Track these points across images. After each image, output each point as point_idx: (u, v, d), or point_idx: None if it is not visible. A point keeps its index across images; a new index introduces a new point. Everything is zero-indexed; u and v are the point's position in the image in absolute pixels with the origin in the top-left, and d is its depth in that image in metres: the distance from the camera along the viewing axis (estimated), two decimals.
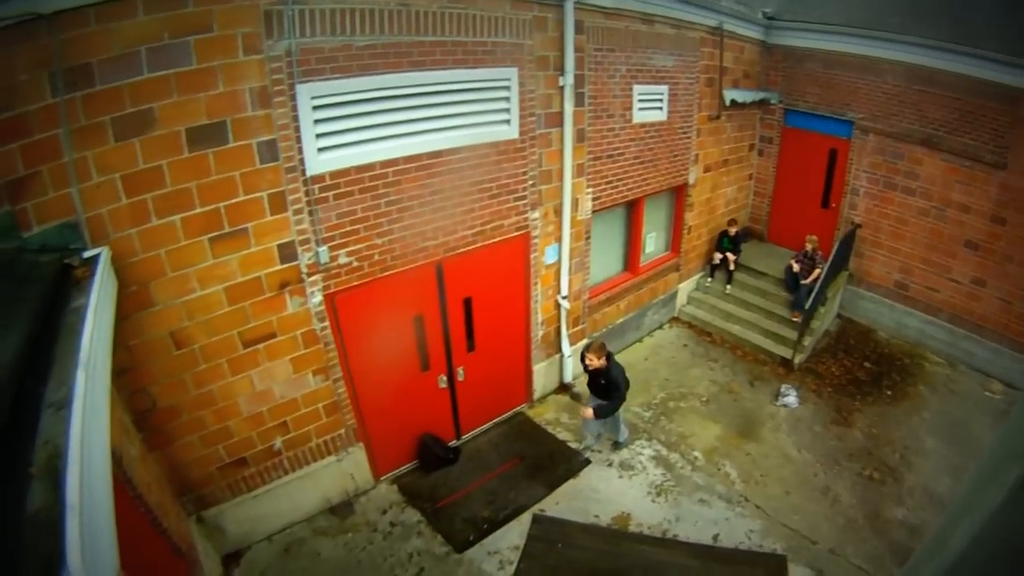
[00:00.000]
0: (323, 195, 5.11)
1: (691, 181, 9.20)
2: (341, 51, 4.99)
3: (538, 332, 7.45)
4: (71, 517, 2.21)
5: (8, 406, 2.60)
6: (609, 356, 6.27)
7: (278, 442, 5.66)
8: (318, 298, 5.39)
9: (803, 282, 9.17)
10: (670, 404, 8.12)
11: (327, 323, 5.53)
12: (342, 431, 6.06)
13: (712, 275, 10.33)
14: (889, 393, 8.57)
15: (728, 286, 10.12)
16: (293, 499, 6.02)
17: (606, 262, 8.60)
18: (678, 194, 9.32)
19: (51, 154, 4.26)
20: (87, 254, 4.33)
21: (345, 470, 6.28)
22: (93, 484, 2.48)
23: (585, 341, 7.87)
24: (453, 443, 7.13)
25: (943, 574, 1.18)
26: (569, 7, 6.20)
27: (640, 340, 9.60)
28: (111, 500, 2.70)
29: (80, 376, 2.97)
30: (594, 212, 7.53)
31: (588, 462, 7.04)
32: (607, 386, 6.31)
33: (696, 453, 7.24)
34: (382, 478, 6.72)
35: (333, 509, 6.34)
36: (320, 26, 4.86)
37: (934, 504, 6.60)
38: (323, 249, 5.21)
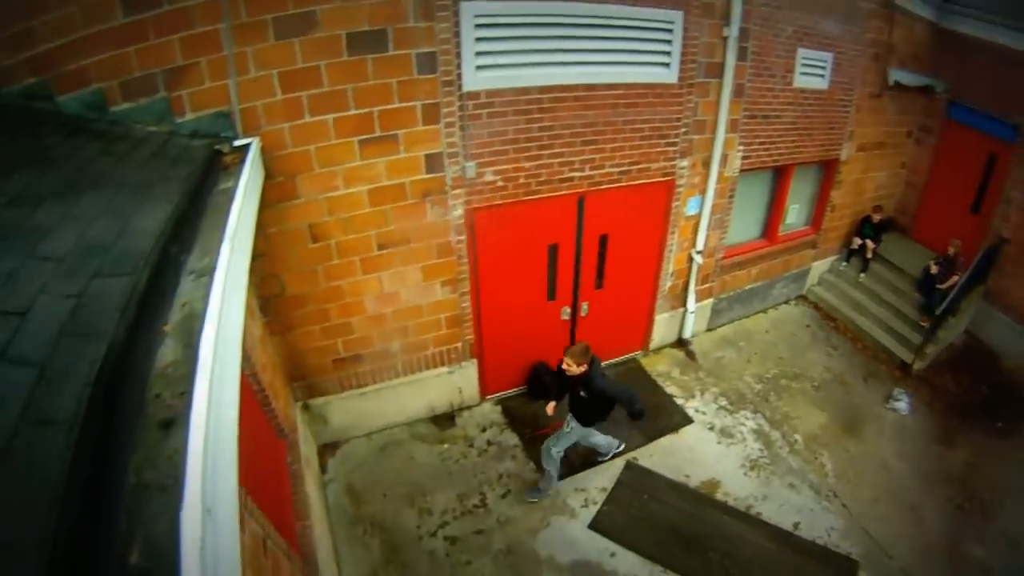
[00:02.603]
0: (477, 112, 5.14)
1: (843, 158, 8.59)
2: None
3: (666, 282, 7.30)
4: (202, 372, 2.27)
5: (150, 271, 2.72)
6: (593, 362, 5.18)
7: (396, 344, 5.88)
8: (459, 211, 5.47)
9: (939, 287, 8.46)
10: (782, 382, 7.83)
11: (463, 237, 5.62)
12: (459, 345, 6.21)
13: (848, 260, 9.70)
14: (1000, 425, 7.76)
15: (862, 275, 9.50)
16: (399, 402, 6.29)
17: (744, 225, 8.25)
18: (828, 169, 8.73)
19: (210, 47, 4.47)
20: (238, 143, 4.55)
21: (455, 383, 6.48)
22: (225, 349, 2.54)
23: (708, 301, 7.67)
24: None
25: None
26: None
27: (764, 311, 9.24)
28: (239, 367, 2.76)
29: (225, 248, 3.10)
30: (741, 171, 7.22)
31: (690, 420, 6.92)
32: (590, 400, 5.29)
33: (797, 436, 6.97)
34: (488, 397, 6.89)
35: (435, 418, 6.58)
36: None
37: (1015, 552, 6.07)
38: (471, 164, 5.26)
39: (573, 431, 5.56)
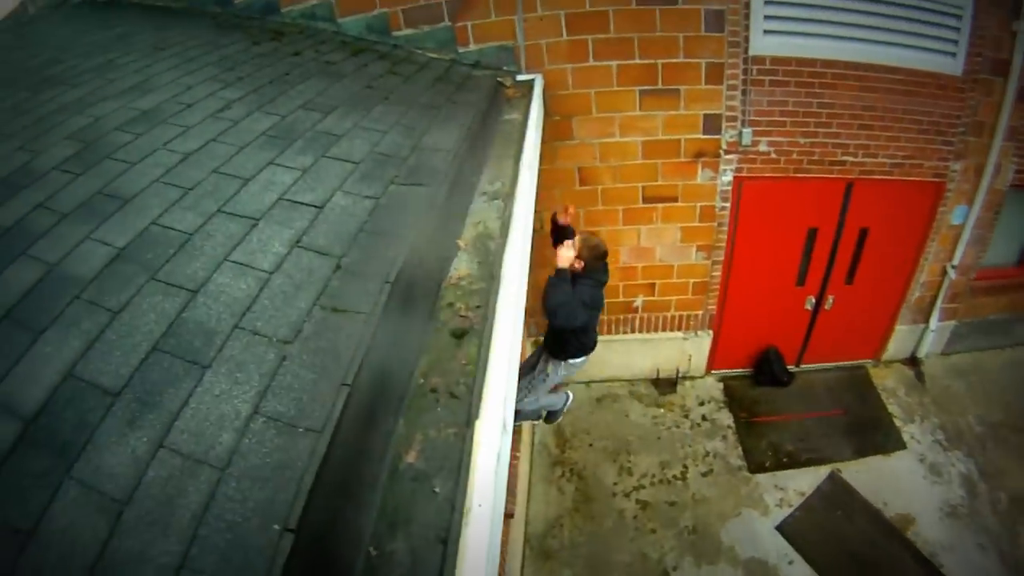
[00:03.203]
0: (760, 78, 5.05)
1: None
2: None
3: (915, 292, 6.83)
4: (503, 290, 2.37)
5: (447, 186, 2.85)
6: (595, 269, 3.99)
7: (639, 300, 5.96)
8: (728, 177, 5.43)
9: None
10: (1003, 432, 6.94)
11: (728, 204, 5.57)
12: (699, 312, 6.17)
13: None
14: None
15: None
16: (627, 357, 6.36)
17: (1002, 247, 7.50)
18: None
19: None
20: (521, 78, 4.76)
21: (686, 350, 6.44)
22: (518, 272, 2.62)
23: (951, 322, 7.05)
24: (791, 367, 6.95)
25: None
26: None
27: (1004, 348, 8.38)
28: (525, 290, 2.84)
29: (524, 175, 3.28)
30: (1010, 186, 6.64)
31: (903, 446, 6.40)
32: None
33: (1002, 495, 6.13)
34: (712, 372, 6.81)
35: (656, 381, 6.61)
36: None
37: None
38: (748, 131, 5.18)
39: (548, 374, 4.43)
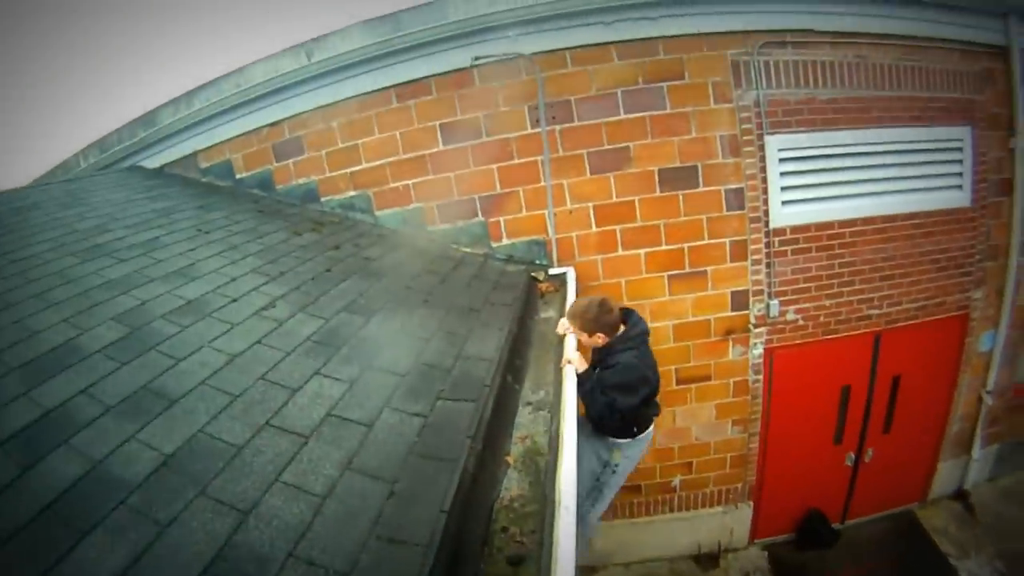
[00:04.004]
0: (782, 248, 5.06)
1: None
2: (805, 104, 4.97)
3: (953, 427, 6.69)
4: (564, 516, 2.20)
5: (494, 400, 2.75)
6: (623, 337, 3.29)
7: (677, 480, 5.72)
8: (759, 350, 5.33)
9: None
10: None
11: (760, 376, 5.45)
12: (739, 485, 5.94)
13: None
14: None
15: None
16: (667, 536, 6.04)
17: None
18: None
19: (528, 178, 4.84)
20: (553, 271, 4.77)
21: (726, 524, 6.15)
22: (570, 490, 2.38)
23: (994, 447, 6.82)
24: (836, 526, 6.65)
25: None
26: (1016, 56, 5.45)
27: None
28: (576, 508, 2.53)
29: (568, 386, 3.08)
30: None
31: None
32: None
33: None
34: (755, 541, 6.47)
35: (698, 557, 6.23)
36: (785, 78, 4.89)
37: None
38: (775, 302, 5.14)
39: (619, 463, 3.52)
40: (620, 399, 3.13)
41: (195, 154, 5.58)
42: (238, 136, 5.38)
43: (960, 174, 5.58)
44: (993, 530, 6.77)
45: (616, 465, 3.48)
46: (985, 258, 5.91)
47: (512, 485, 2.44)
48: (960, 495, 7.14)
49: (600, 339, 3.26)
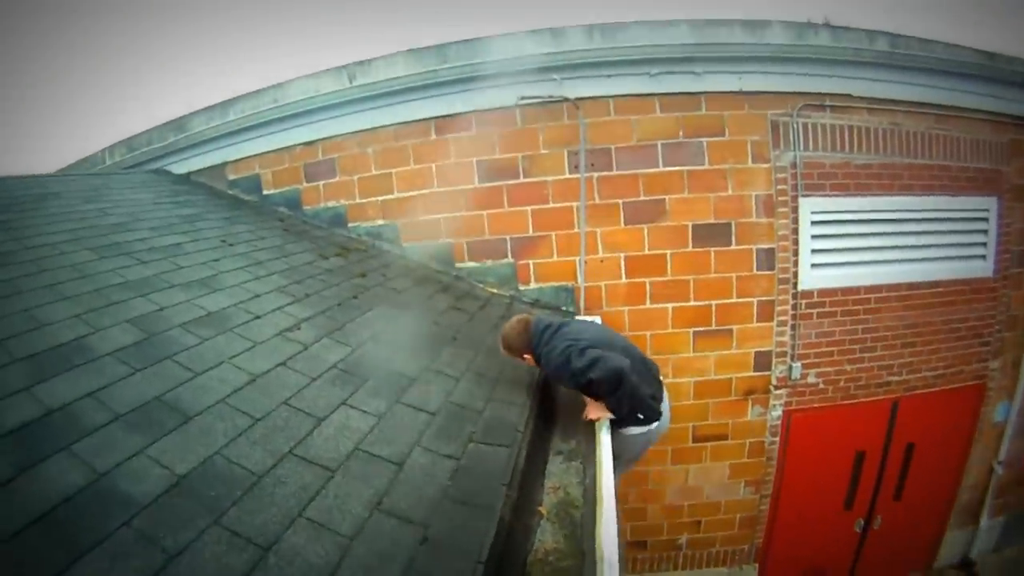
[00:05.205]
0: (808, 311, 5.06)
1: None
2: (840, 168, 5.01)
3: (962, 496, 6.70)
4: (608, 572, 2.12)
5: (527, 447, 2.70)
6: (547, 332, 3.21)
7: (684, 539, 5.65)
8: (778, 412, 5.30)
9: None
10: None
11: (777, 438, 5.42)
12: (746, 547, 5.88)
13: None
14: None
15: None
16: None
17: None
18: None
19: (562, 223, 4.81)
20: (580, 319, 4.63)
21: None
22: (610, 545, 2.30)
23: (1000, 518, 6.80)
24: None
25: None
26: None
27: None
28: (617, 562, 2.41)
29: (603, 435, 3.04)
30: None
31: None
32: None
33: None
34: None
35: None
36: (822, 141, 4.92)
37: None
38: (797, 365, 5.12)
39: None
40: (588, 357, 2.92)
41: (224, 165, 5.54)
42: (270, 152, 5.34)
43: (984, 244, 5.63)
44: None
45: (619, 457, 3.29)
46: (1004, 329, 5.93)
47: (546, 537, 2.34)
48: (965, 564, 7.15)
49: (530, 359, 3.24)
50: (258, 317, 3.16)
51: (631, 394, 2.95)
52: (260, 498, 1.87)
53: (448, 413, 2.77)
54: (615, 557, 2.20)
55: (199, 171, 5.64)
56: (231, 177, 5.53)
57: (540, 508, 2.51)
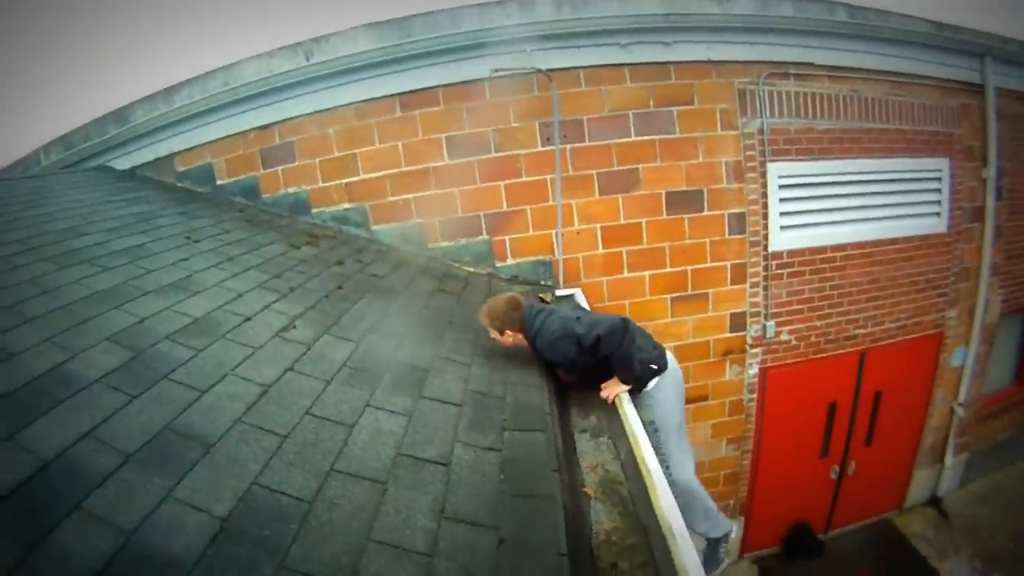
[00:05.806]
0: (778, 272, 5.17)
1: None
2: (804, 133, 5.11)
3: (927, 438, 7.00)
4: (682, 543, 2.04)
5: (560, 432, 2.64)
6: (540, 315, 3.15)
7: None
8: (754, 370, 5.41)
9: None
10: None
11: (755, 396, 5.54)
12: (731, 502, 6.02)
13: None
14: None
15: None
16: None
17: (999, 371, 7.83)
18: None
19: (537, 196, 4.74)
20: (560, 292, 4.71)
21: None
22: (666, 511, 2.23)
23: (964, 455, 7.17)
24: (820, 535, 6.84)
25: None
26: (991, 94, 5.85)
27: (1012, 463, 8.55)
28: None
29: (628, 408, 2.95)
30: (1001, 315, 6.98)
31: None
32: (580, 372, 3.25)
33: None
34: (744, 555, 6.60)
35: None
36: (786, 108, 5.00)
37: None
38: (771, 323, 5.23)
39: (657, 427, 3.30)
40: (587, 321, 2.97)
41: (171, 156, 5.15)
42: (222, 139, 5.01)
43: (939, 202, 5.86)
44: (968, 532, 7.12)
45: (652, 422, 3.23)
46: (958, 280, 6.20)
47: (601, 518, 2.24)
48: (934, 501, 7.51)
49: (510, 337, 3.15)
50: (248, 319, 2.91)
51: (633, 340, 2.92)
52: (318, 528, 1.66)
53: (473, 403, 2.65)
54: (684, 528, 2.13)
55: (145, 165, 5.23)
56: (180, 169, 5.16)
57: (585, 489, 2.43)
